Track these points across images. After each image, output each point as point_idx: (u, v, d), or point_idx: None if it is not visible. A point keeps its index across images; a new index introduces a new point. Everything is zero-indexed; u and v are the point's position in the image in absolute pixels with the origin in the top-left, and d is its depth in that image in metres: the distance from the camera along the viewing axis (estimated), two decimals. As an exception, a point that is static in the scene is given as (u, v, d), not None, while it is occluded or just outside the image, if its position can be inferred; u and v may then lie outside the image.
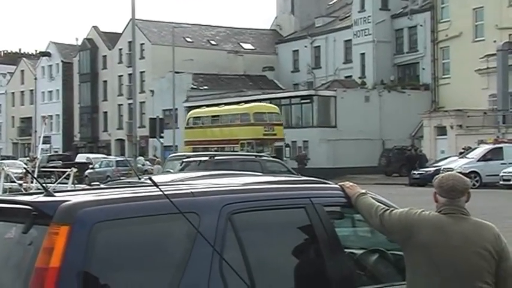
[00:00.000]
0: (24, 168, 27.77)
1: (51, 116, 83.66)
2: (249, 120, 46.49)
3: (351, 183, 4.87)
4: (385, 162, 50.76)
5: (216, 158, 22.16)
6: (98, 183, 32.44)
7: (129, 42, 56.28)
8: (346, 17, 66.79)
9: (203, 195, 4.22)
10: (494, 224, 4.37)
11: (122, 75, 75.90)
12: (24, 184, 22.98)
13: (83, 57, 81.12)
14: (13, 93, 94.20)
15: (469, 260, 4.14)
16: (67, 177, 23.01)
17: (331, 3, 76.00)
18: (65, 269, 3.57)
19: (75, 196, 4.07)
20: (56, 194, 4.10)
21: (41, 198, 4.03)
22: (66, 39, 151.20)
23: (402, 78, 61.31)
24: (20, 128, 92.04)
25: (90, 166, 48.95)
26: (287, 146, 48.34)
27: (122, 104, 76.37)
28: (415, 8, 59.68)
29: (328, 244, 4.44)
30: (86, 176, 45.24)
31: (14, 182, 24.08)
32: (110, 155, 65.88)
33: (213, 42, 74.58)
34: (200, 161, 21.60)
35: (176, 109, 55.34)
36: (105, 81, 79.44)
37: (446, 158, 41.88)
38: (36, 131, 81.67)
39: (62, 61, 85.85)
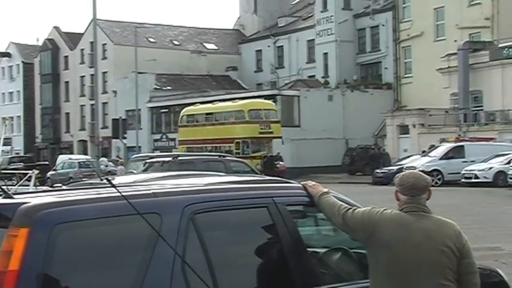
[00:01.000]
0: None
1: (11, 117, 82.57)
2: (244, 117, 45.06)
3: (314, 183, 4.88)
4: (348, 161, 51.04)
5: (179, 158, 22.08)
6: (60, 184, 32.12)
7: (91, 42, 55.89)
8: (309, 17, 67.08)
9: (165, 195, 4.20)
10: (455, 222, 4.41)
11: (84, 76, 75.33)
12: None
13: (44, 57, 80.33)
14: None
15: (431, 257, 4.17)
16: (29, 179, 22.78)
17: (293, 3, 76.26)
18: (24, 272, 3.52)
19: (35, 198, 4.01)
20: (15, 196, 4.04)
21: (0, 200, 3.97)
22: (27, 40, 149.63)
23: (365, 77, 61.75)
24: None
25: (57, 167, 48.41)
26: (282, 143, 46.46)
27: (84, 105, 75.79)
28: (377, 8, 60.14)
29: (290, 243, 4.44)
30: (48, 177, 44.81)
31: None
32: (68, 154, 65.17)
33: (176, 42, 74.36)
34: (163, 161, 21.49)
35: (139, 110, 55.08)
36: (67, 82, 78.76)
37: (409, 157, 42.25)
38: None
39: (22, 62, 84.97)
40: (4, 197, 4.01)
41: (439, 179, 35.56)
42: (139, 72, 56.26)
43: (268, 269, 4.44)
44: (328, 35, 60.93)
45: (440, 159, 37.66)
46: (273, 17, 73.14)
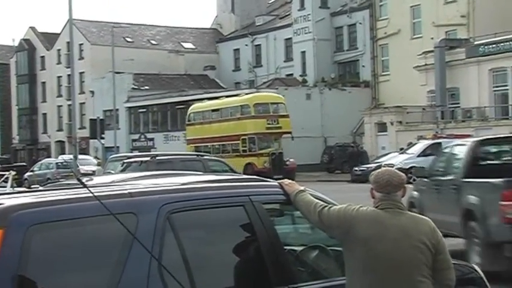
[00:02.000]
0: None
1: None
2: (250, 112, 42.47)
3: (290, 181, 4.89)
4: (327, 159, 51.16)
5: (157, 158, 22.02)
6: (37, 186, 31.92)
7: (68, 42, 55.51)
8: (286, 16, 67.14)
9: (141, 195, 4.19)
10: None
11: (61, 76, 74.87)
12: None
13: (20, 58, 79.72)
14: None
15: (407, 253, 4.19)
16: (5, 181, 22.62)
17: (271, 1, 76.29)
18: (-2, 272, 3.49)
19: (10, 199, 3.99)
20: (-11, 197, 4.01)
21: (-25, 201, 3.94)
22: (2, 40, 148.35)
23: (343, 75, 61.92)
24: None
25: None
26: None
27: (61, 105, 75.34)
28: (354, 6, 60.32)
29: (267, 241, 4.45)
30: (26, 178, 44.47)
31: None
32: (49, 157, 64.87)
33: (153, 42, 74.13)
34: (141, 161, 21.42)
35: (117, 109, 54.80)
36: (43, 83, 78.26)
37: (387, 154, 42.39)
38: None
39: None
40: (-21, 199, 3.98)
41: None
42: (117, 72, 56.01)
43: (246, 268, 4.44)
44: (306, 33, 61.04)
45: (418, 156, 37.80)
46: (250, 16, 73.14)
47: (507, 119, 44.09)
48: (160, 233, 4.02)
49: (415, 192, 13.93)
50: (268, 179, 5.14)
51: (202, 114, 46.96)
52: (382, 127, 50.06)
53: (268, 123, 41.99)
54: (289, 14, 65.72)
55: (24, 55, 79.22)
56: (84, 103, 68.85)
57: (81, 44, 68.86)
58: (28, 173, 46.46)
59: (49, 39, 76.81)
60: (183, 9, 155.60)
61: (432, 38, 50.45)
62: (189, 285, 4.01)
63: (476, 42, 47.22)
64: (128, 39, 71.22)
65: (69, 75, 60.67)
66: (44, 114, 78.37)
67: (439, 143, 39.20)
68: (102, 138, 36.26)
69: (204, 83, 69.09)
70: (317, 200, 4.61)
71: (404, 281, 4.18)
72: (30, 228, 3.63)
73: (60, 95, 75.45)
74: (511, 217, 10.10)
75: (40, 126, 79.01)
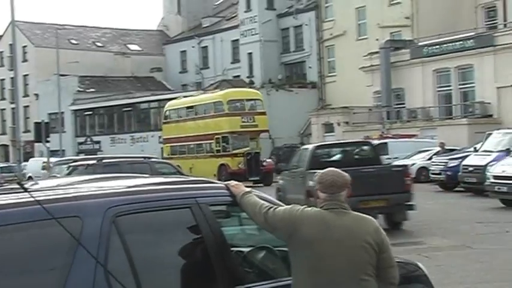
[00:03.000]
0: None
1: None
2: (223, 109, 40.43)
3: (236, 182, 4.90)
4: (275, 160, 51.28)
5: (104, 161, 21.86)
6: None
7: (10, 44, 54.59)
8: (233, 17, 67.22)
9: (86, 198, 4.15)
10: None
11: (3, 79, 73.69)
12: None
13: (-38, 60, 78.12)
14: None
15: (352, 253, 4.24)
16: None
17: (217, 3, 76.24)
18: None
19: None
20: None
21: None
22: None
23: (290, 76, 62.23)
24: None
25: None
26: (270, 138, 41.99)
27: (4, 109, 74.10)
28: (300, 8, 60.70)
29: (214, 243, 4.45)
30: (-31, 183, 43.60)
31: None
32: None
33: (99, 44, 73.43)
34: (88, 164, 21.26)
35: (62, 112, 54.17)
36: (-14, 85, 76.86)
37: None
38: None
39: None
40: None
41: (363, 176, 36.01)
42: (62, 75, 55.35)
43: (192, 270, 4.44)
44: (252, 35, 61.18)
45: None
46: (196, 18, 72.99)
47: (451, 118, 44.87)
48: (106, 236, 3.98)
49: (281, 181, 21.44)
50: (214, 181, 5.15)
51: (177, 111, 45.13)
52: (329, 128, 50.45)
53: (243, 121, 40.05)
54: (235, 16, 65.80)
55: (-34, 57, 77.64)
56: (28, 106, 67.86)
57: (25, 46, 67.88)
58: (-29, 178, 45.52)
59: (-9, 41, 75.42)
60: (129, 11, 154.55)
61: (377, 39, 51.04)
62: (136, 289, 3.98)
63: (420, 44, 47.95)
64: (73, 41, 70.43)
65: (12, 77, 59.84)
66: (-13, 117, 76.95)
67: (385, 143, 39.72)
68: (48, 141, 35.76)
69: (150, 85, 68.71)
70: (262, 202, 4.62)
71: (350, 280, 4.22)
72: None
73: (3, 98, 74.25)
74: None
75: (-17, 130, 77.52)
